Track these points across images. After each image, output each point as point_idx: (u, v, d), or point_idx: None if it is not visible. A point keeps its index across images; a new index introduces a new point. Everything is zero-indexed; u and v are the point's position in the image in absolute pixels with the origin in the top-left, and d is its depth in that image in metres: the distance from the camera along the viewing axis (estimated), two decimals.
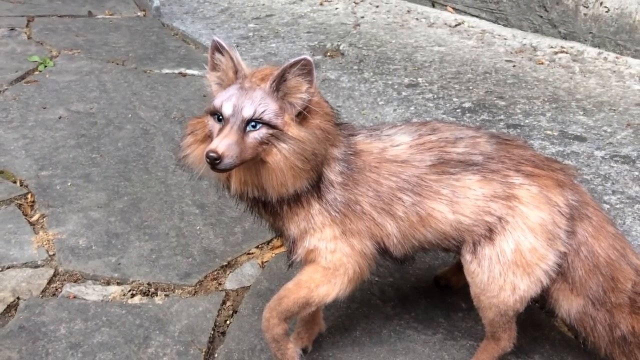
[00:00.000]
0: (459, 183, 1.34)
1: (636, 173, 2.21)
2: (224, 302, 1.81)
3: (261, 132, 1.23)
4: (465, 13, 4.55)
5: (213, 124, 1.27)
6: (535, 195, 1.32)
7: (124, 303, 1.78)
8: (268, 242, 2.08)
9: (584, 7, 3.66)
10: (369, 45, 4.00)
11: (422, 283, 1.86)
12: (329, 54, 3.98)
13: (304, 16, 4.84)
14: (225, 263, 1.96)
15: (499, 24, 4.27)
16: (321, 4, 5.24)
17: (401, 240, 1.37)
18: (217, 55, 1.30)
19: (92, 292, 1.82)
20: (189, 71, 3.56)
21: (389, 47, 3.93)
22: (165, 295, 1.82)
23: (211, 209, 2.24)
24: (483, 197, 1.33)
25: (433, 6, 4.81)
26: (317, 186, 1.31)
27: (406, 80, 3.29)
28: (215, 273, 1.92)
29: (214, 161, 1.18)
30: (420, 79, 3.27)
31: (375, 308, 1.77)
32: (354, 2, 5.20)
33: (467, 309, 1.76)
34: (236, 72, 1.28)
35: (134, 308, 1.76)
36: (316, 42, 4.12)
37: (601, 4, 3.50)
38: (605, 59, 3.44)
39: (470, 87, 3.12)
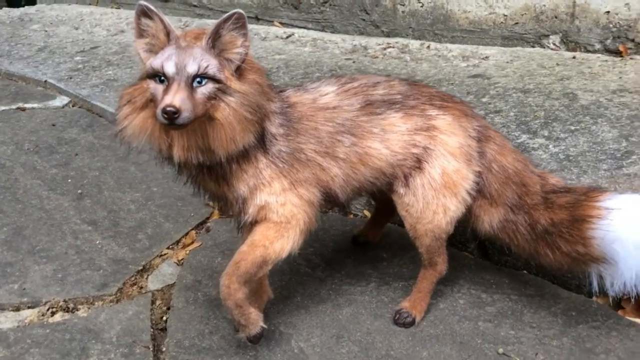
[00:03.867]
0: (386, 121, 1.45)
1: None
2: (153, 302, 1.74)
3: (208, 87, 1.24)
4: (293, 26, 4.77)
5: (155, 86, 1.25)
6: (451, 123, 1.48)
7: (44, 323, 1.63)
8: (177, 242, 2.04)
9: (401, 5, 4.05)
10: None
11: (342, 246, 1.95)
12: None
13: (132, 45, 4.74)
14: (140, 268, 1.89)
15: (326, 31, 4.55)
16: None
17: (345, 181, 1.44)
18: (144, 21, 1.29)
19: (4, 320, 1.64)
20: (27, 105, 3.33)
21: None
22: (88, 307, 1.70)
23: (104, 223, 2.13)
24: (407, 131, 1.46)
25: (258, 21, 4.99)
26: (261, 140, 1.35)
27: None
28: (133, 279, 1.84)
29: (173, 115, 1.17)
30: (274, 82, 3.38)
31: (307, 275, 1.81)
32: (180, 28, 5.19)
33: (389, 257, 1.88)
34: (168, 34, 1.28)
35: (57, 325, 1.62)
36: None
37: (418, 0, 3.91)
38: (428, 47, 3.82)
39: None
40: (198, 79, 1.24)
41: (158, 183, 2.43)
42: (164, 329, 1.64)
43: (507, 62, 3.33)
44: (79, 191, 2.34)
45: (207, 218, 2.18)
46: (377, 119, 1.45)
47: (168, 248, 1.99)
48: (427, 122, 1.47)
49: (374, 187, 1.52)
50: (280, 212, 1.39)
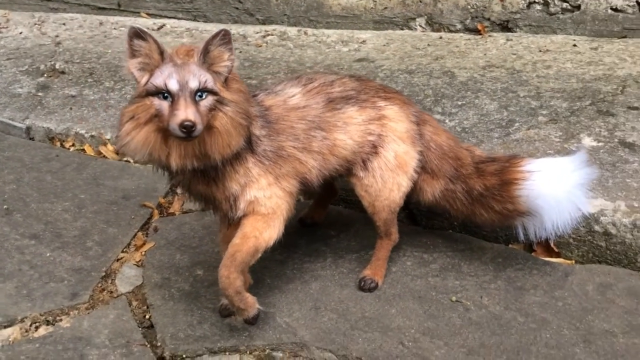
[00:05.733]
0: (345, 115, 1.66)
1: None
2: (130, 304, 1.81)
3: (209, 100, 1.37)
4: (161, 16, 4.75)
5: (160, 102, 1.35)
6: (397, 111, 1.72)
7: (31, 338, 1.66)
8: (128, 245, 2.09)
9: None
10: (87, 59, 3.95)
11: (291, 229, 2.11)
12: (46, 74, 3.81)
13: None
14: (102, 274, 1.94)
15: (198, 21, 4.59)
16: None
17: (319, 171, 1.63)
18: (137, 42, 1.37)
19: None
20: None
21: (109, 57, 3.95)
22: (68, 317, 1.74)
23: (46, 235, 2.12)
24: (363, 122, 1.68)
25: (121, 12, 4.89)
26: (249, 142, 1.49)
27: None
28: (100, 285, 1.89)
29: (191, 129, 1.29)
30: None
31: (267, 259, 1.97)
32: (37, 24, 4.95)
33: (337, 234, 2.09)
34: (162, 53, 1.37)
35: (45, 338, 1.66)
36: (27, 67, 3.90)
37: None
38: (306, 33, 4.04)
39: None
40: (199, 93, 1.36)
41: (83, 190, 2.43)
42: (150, 327, 1.73)
43: (384, 45, 3.65)
44: (5, 207, 2.28)
45: (149, 218, 2.25)
46: (338, 114, 1.65)
47: (122, 252, 2.05)
48: (378, 112, 1.70)
49: (337, 173, 1.72)
50: (267, 204, 1.56)
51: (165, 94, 1.35)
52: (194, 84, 1.35)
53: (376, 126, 1.69)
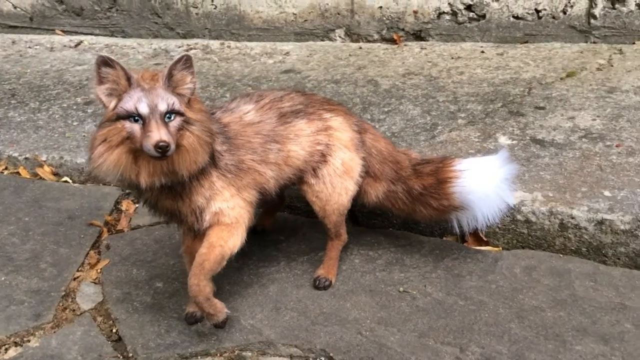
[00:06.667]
0: (295, 128, 1.80)
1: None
2: (94, 319, 1.86)
3: (177, 121, 1.47)
4: (77, 33, 4.70)
5: (131, 125, 1.44)
6: (342, 122, 1.88)
7: None
8: (82, 264, 2.13)
9: (194, 7, 4.29)
10: (5, 79, 3.87)
11: None
12: None
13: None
14: (62, 293, 1.97)
15: (116, 36, 4.58)
16: None
17: (276, 181, 1.76)
18: (104, 69, 1.45)
19: None
20: None
21: (30, 76, 3.89)
22: (35, 338, 1.77)
23: None
24: (312, 133, 1.82)
25: (34, 30, 4.79)
26: (212, 157, 1.60)
27: (79, 100, 3.40)
28: (62, 304, 1.93)
29: (165, 149, 1.38)
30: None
31: (223, 268, 2.07)
32: None
33: (286, 239, 2.23)
34: (129, 79, 1.46)
35: (17, 359, 1.68)
36: None
37: (211, 2, 4.19)
38: (229, 47, 4.15)
39: None
40: (168, 115, 1.46)
41: (25, 213, 2.43)
42: (118, 340, 1.79)
43: (308, 56, 3.81)
44: None
45: (99, 237, 2.29)
46: (290, 127, 1.79)
47: (78, 271, 2.09)
48: (324, 123, 1.85)
49: (291, 182, 1.85)
50: (231, 214, 1.67)
51: (136, 117, 1.44)
52: (162, 107, 1.45)
53: (324, 136, 1.84)
